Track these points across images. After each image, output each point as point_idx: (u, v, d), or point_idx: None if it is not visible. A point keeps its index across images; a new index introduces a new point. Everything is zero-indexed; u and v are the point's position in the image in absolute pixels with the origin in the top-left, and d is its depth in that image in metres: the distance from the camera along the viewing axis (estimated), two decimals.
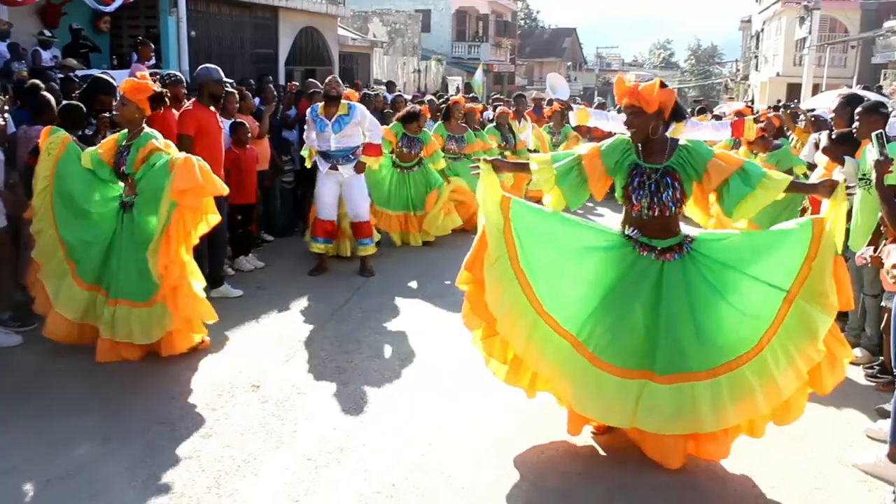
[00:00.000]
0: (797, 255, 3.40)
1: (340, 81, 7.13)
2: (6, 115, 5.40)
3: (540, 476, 3.60)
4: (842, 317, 5.67)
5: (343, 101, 6.93)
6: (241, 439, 3.88)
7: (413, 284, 7.05)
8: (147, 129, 5.04)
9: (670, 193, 3.48)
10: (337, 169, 6.94)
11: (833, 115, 6.42)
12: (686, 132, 3.74)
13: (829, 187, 3.45)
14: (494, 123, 10.66)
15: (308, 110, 7.17)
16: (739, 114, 11.97)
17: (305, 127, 7.20)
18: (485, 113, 12.13)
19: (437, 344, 5.38)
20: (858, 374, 5.01)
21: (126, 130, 5.06)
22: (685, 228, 3.69)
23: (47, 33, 10.89)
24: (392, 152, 8.56)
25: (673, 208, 3.52)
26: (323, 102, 7.00)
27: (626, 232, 3.64)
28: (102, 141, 5.20)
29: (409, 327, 5.76)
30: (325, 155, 6.96)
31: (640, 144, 3.59)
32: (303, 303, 6.28)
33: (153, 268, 4.61)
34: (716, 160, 3.48)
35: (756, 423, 3.61)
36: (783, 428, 4.03)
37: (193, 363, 4.87)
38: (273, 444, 3.84)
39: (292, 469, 3.60)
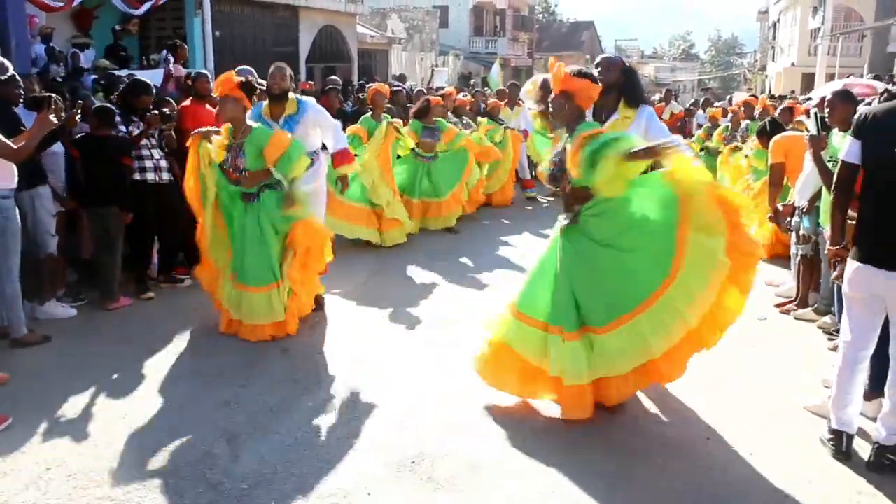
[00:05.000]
0: (669, 198, 3.89)
1: (288, 75, 5.96)
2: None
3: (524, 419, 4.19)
4: (815, 288, 6.22)
5: (292, 96, 5.95)
6: (273, 388, 4.52)
7: (427, 261, 7.67)
8: (256, 125, 5.32)
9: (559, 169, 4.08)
10: None
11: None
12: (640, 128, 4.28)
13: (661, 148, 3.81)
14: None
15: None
16: (747, 103, 12.49)
17: None
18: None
19: (446, 311, 6.00)
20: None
21: (230, 127, 5.30)
22: None
23: (83, 37, 11.53)
24: (417, 145, 8.96)
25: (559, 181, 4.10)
26: (266, 101, 6.00)
27: None
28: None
29: (421, 298, 6.40)
30: None
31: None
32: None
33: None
34: (580, 135, 3.93)
35: (704, 336, 3.98)
36: (751, 377, 4.63)
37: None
38: (299, 392, 4.47)
39: (317, 409, 4.24)
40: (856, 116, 3.72)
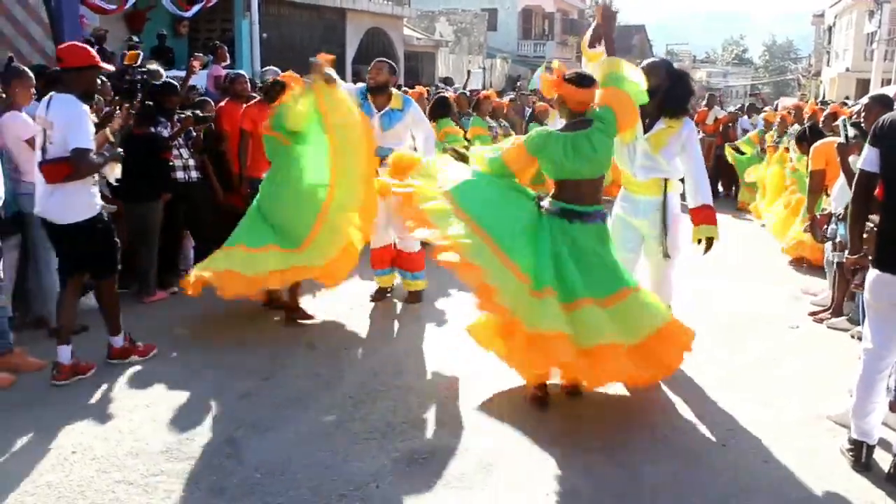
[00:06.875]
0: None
1: (386, 69, 5.88)
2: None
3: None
4: (851, 297, 6.11)
5: (396, 91, 5.97)
6: (295, 381, 4.62)
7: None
8: None
9: None
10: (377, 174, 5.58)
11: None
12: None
13: None
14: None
15: (357, 86, 6.05)
16: (798, 108, 12.29)
17: None
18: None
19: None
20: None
21: None
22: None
23: (135, 38, 11.86)
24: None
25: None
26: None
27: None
28: None
29: (455, 299, 6.45)
30: None
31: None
32: (352, 284, 6.86)
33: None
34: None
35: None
36: (777, 384, 4.71)
37: (261, 325, 5.69)
38: (321, 386, 4.57)
39: (336, 403, 4.32)
40: (875, 123, 3.65)
